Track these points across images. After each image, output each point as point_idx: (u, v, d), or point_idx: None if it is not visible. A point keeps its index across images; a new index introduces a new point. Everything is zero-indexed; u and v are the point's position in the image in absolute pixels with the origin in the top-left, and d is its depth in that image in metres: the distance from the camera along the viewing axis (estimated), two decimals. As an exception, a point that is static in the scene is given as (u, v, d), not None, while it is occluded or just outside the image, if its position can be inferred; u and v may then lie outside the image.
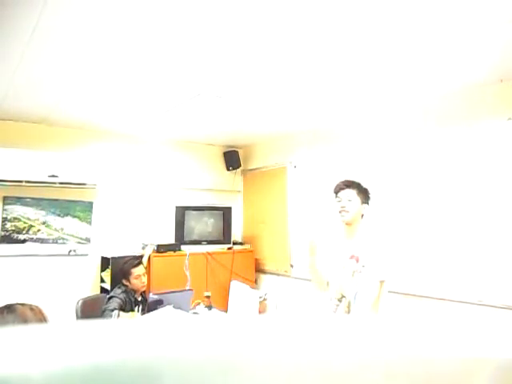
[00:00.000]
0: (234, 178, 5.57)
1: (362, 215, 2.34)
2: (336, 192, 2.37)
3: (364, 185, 2.39)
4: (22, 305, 1.45)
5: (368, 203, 2.35)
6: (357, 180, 2.41)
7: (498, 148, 3.03)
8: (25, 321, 1.38)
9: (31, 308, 1.45)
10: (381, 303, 2.18)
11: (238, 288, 3.52)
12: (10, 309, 1.42)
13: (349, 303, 2.24)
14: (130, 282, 3.07)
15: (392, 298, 2.28)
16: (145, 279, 3.16)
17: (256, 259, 5.15)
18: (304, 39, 2.40)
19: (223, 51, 2.55)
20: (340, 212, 2.32)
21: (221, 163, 5.48)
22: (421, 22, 2.21)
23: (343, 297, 2.26)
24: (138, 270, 3.12)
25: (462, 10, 2.07)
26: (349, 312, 2.22)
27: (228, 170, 5.47)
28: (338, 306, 2.28)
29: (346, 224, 2.33)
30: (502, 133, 3.01)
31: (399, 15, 2.13)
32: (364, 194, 2.34)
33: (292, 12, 2.08)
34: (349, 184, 2.35)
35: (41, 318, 1.45)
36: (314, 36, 2.36)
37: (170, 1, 1.97)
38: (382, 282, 2.18)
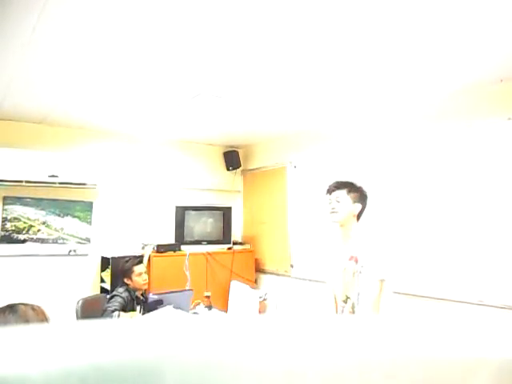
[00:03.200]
0: (234, 178, 5.57)
1: (357, 215, 2.31)
2: (328, 193, 2.36)
3: (358, 184, 2.36)
4: (24, 305, 1.45)
5: (362, 202, 2.31)
6: (350, 180, 2.38)
7: (497, 148, 3.03)
8: (26, 321, 1.38)
9: (33, 308, 1.45)
10: (381, 302, 2.17)
11: (238, 288, 3.52)
12: (12, 308, 1.42)
13: (353, 304, 2.23)
14: (131, 280, 3.08)
15: (392, 298, 2.26)
16: (146, 277, 3.17)
17: (256, 259, 5.15)
18: (304, 39, 2.40)
19: (223, 51, 2.55)
20: (330, 213, 2.31)
21: (221, 163, 5.48)
22: (421, 23, 2.21)
23: (348, 298, 2.25)
24: (140, 268, 3.14)
25: (462, 10, 2.07)
26: (354, 313, 2.21)
27: (228, 169, 5.47)
28: (343, 307, 2.27)
29: (340, 226, 2.31)
30: (502, 133, 3.01)
31: (399, 16, 2.13)
32: (356, 193, 2.31)
33: (292, 12, 2.08)
34: (338, 185, 2.33)
35: (42, 318, 1.45)
36: (313, 36, 2.36)
37: (169, 1, 1.97)
38: (381, 280, 2.17)
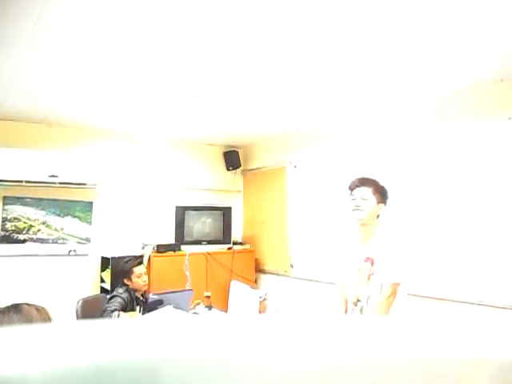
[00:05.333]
0: (234, 178, 5.57)
1: (378, 215, 2.24)
2: (351, 189, 2.26)
3: (381, 183, 2.27)
4: (29, 305, 1.45)
5: (385, 203, 2.24)
6: (373, 177, 2.29)
7: (498, 148, 3.03)
8: (30, 321, 1.38)
9: (37, 309, 1.45)
10: (394, 306, 2.09)
11: (238, 288, 3.52)
12: (16, 308, 1.42)
13: (362, 308, 2.16)
14: (131, 281, 3.07)
15: (407, 301, 2.22)
16: (146, 278, 3.17)
17: (256, 259, 5.15)
18: (304, 39, 2.40)
19: (223, 51, 2.55)
20: (353, 211, 2.21)
21: (221, 163, 5.48)
22: (421, 23, 2.20)
23: (358, 301, 2.19)
24: (140, 269, 3.13)
25: (462, 10, 2.07)
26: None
27: (228, 169, 5.47)
28: (353, 310, 2.20)
29: (361, 225, 2.23)
30: (502, 133, 3.01)
31: (400, 16, 2.13)
32: (380, 193, 2.23)
33: (292, 12, 2.08)
34: (364, 182, 2.24)
35: (46, 318, 1.45)
36: (313, 35, 2.36)
37: (169, 1, 1.97)
38: (396, 284, 2.10)
